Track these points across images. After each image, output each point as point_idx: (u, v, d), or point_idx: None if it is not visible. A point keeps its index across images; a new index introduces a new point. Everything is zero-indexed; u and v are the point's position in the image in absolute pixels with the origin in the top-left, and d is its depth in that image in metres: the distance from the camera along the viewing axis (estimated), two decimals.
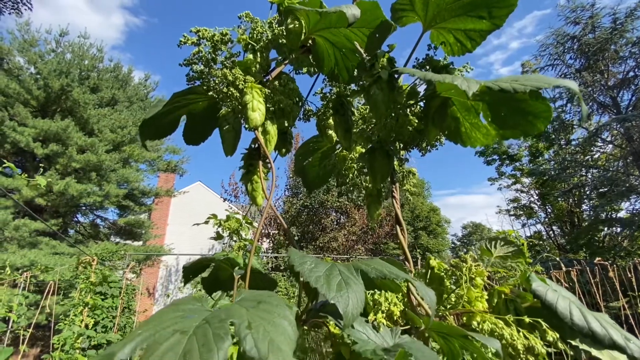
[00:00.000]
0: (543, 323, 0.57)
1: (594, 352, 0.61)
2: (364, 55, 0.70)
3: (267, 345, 0.33)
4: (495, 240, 0.73)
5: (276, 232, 14.17)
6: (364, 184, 0.95)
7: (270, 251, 13.44)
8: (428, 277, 0.77)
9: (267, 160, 0.73)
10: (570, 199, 14.10)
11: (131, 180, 11.85)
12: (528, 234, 15.88)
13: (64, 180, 10.02)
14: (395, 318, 0.59)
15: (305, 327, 0.65)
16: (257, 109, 0.63)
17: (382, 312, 0.67)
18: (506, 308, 0.62)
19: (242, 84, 0.67)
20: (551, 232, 15.23)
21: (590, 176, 13.15)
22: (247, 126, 0.67)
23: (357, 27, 0.69)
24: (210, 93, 0.68)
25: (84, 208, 11.91)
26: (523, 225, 16.24)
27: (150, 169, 13.08)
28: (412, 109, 0.75)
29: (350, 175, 0.96)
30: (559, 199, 14.39)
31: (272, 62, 0.82)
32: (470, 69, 0.73)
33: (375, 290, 0.63)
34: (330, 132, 0.86)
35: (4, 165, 1.74)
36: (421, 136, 0.75)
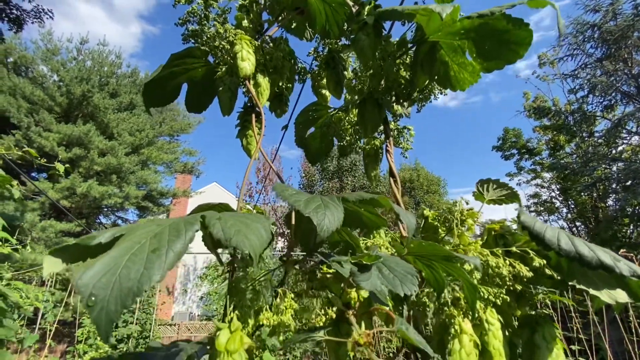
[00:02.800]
0: (530, 251, 0.57)
1: (592, 291, 0.59)
2: (352, 5, 0.71)
3: (233, 231, 0.35)
4: (488, 184, 0.72)
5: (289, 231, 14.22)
6: (361, 145, 0.96)
7: (285, 250, 13.52)
8: (422, 226, 0.78)
9: (260, 114, 0.75)
10: (594, 194, 13.54)
11: (150, 182, 12.21)
12: None
13: (87, 182, 10.44)
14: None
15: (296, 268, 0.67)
16: (246, 58, 0.65)
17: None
18: (496, 243, 0.62)
19: (233, 37, 0.69)
20: (574, 228, 14.68)
21: (615, 169, 12.60)
22: (238, 76, 0.69)
23: None
24: (204, 47, 0.71)
25: (105, 209, 12.35)
26: (544, 222, 15.70)
27: (168, 171, 13.42)
28: (402, 59, 0.76)
29: (347, 137, 0.97)
30: (582, 193, 13.85)
31: (265, 23, 0.84)
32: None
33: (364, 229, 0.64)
34: (324, 91, 0.87)
35: (24, 149, 1.84)
36: (412, 86, 0.76)
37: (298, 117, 1.11)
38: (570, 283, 0.60)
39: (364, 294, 0.54)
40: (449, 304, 0.55)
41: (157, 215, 12.93)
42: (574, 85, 13.08)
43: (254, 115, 0.73)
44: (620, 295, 0.59)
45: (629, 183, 11.40)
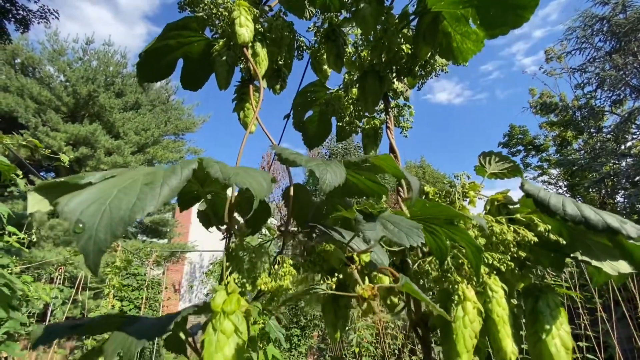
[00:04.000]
0: (535, 217, 0.55)
1: (594, 263, 0.58)
2: None
3: (232, 172, 0.34)
4: (490, 156, 0.71)
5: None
6: (361, 124, 0.95)
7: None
8: None
9: (258, 86, 0.74)
10: (603, 190, 13.34)
11: None
12: None
13: None
14: None
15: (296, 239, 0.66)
16: (244, 24, 0.65)
17: None
18: (499, 213, 0.60)
19: (230, 3, 0.68)
20: None
21: (624, 164, 12.39)
22: (236, 46, 0.69)
23: None
24: (201, 15, 0.70)
25: None
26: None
27: None
28: (404, 32, 0.75)
29: (347, 117, 0.96)
30: (590, 189, 13.64)
31: None
32: None
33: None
34: (325, 67, 0.86)
35: (28, 139, 1.86)
36: (414, 59, 0.74)
37: (296, 99, 1.09)
38: (572, 255, 0.59)
39: (366, 258, 0.53)
40: (452, 270, 0.53)
41: (164, 215, 13.03)
42: (581, 80, 12.88)
43: (251, 87, 0.72)
44: (623, 266, 0.57)
45: (638, 179, 11.21)
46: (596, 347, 3.38)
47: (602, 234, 0.49)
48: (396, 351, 5.06)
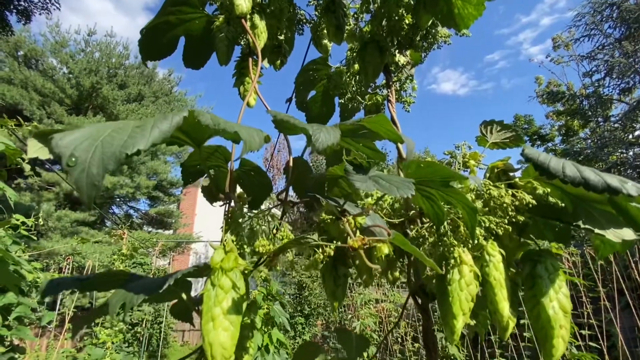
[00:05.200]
0: (534, 182, 0.55)
1: (597, 230, 0.58)
2: None
3: (222, 121, 0.34)
4: (491, 125, 0.70)
5: (298, 218, 14.45)
6: (364, 100, 0.95)
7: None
8: None
9: (257, 59, 0.74)
10: None
11: (160, 172, 12.37)
12: None
13: None
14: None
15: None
16: None
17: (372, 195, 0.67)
18: (498, 179, 0.60)
19: None
20: None
21: (631, 154, 12.22)
22: (235, 18, 0.68)
23: None
24: None
25: (118, 199, 12.59)
26: None
27: (177, 161, 13.58)
28: (404, 2, 0.73)
29: (349, 94, 0.95)
30: None
31: None
32: None
33: None
34: (325, 41, 0.85)
35: (32, 123, 1.87)
36: (415, 29, 0.73)
37: (298, 77, 1.09)
38: (575, 224, 0.59)
39: (362, 220, 0.54)
40: (449, 235, 0.53)
41: (169, 206, 13.14)
42: (590, 68, 12.63)
43: (251, 60, 0.72)
44: (627, 234, 0.57)
45: None
46: (599, 336, 3.39)
47: (602, 195, 0.48)
48: (399, 339, 5.12)
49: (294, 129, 0.47)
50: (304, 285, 8.31)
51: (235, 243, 0.48)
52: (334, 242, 0.61)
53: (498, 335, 0.59)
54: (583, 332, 3.38)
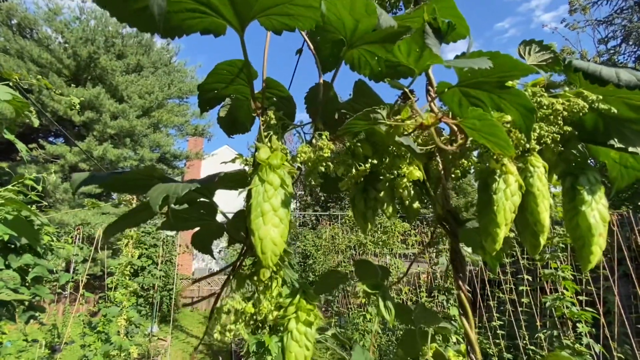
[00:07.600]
0: (584, 90, 0.53)
1: (630, 149, 0.56)
2: None
3: None
4: (530, 46, 0.67)
5: (302, 192, 14.60)
6: None
7: (297, 210, 13.90)
8: None
9: None
10: None
11: (163, 145, 12.32)
12: None
13: (102, 145, 10.61)
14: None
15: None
16: None
17: None
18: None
19: None
20: None
21: None
22: None
23: None
24: None
25: None
26: None
27: (180, 134, 13.49)
28: None
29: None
30: None
31: None
32: None
33: None
34: None
35: (38, 77, 1.83)
36: None
37: None
38: (608, 143, 0.57)
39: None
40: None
41: (174, 177, 13.22)
42: (606, 34, 12.12)
43: None
44: None
45: None
46: (597, 301, 3.50)
47: (636, 114, 0.47)
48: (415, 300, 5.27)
49: None
50: (308, 254, 8.53)
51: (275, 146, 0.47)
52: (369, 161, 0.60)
53: (527, 252, 0.60)
54: (580, 297, 3.49)
